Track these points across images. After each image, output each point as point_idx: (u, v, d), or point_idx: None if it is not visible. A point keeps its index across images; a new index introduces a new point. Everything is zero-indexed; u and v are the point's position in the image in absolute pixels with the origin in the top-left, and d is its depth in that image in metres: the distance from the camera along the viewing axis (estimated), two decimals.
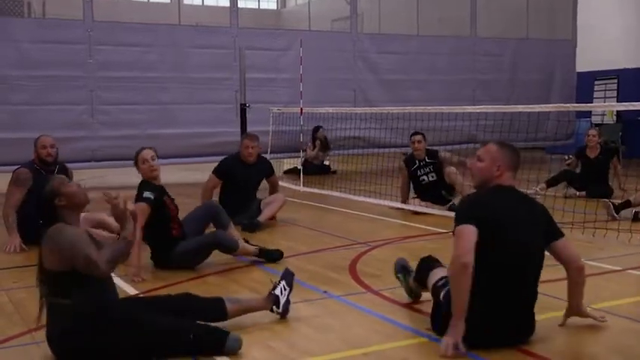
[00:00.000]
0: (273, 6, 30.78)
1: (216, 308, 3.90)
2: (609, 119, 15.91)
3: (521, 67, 15.54)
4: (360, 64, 14.03)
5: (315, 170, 12.38)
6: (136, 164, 5.57)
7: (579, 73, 16.35)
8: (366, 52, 14.11)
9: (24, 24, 12.28)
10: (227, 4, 13.04)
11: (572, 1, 16.09)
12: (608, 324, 3.95)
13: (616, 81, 16.11)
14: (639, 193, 7.68)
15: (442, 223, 7.46)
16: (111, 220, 6.55)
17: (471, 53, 15.13)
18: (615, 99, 15.58)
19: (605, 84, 16.32)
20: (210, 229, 5.94)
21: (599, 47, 16.70)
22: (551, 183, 9.26)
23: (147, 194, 5.37)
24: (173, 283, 5.04)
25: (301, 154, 12.14)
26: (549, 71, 15.92)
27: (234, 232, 6.03)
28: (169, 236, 5.47)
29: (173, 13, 13.99)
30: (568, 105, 9.72)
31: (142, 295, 4.63)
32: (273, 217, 7.54)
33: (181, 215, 5.76)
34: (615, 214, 7.53)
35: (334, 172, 12.95)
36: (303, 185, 10.47)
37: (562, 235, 3.77)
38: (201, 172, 10.59)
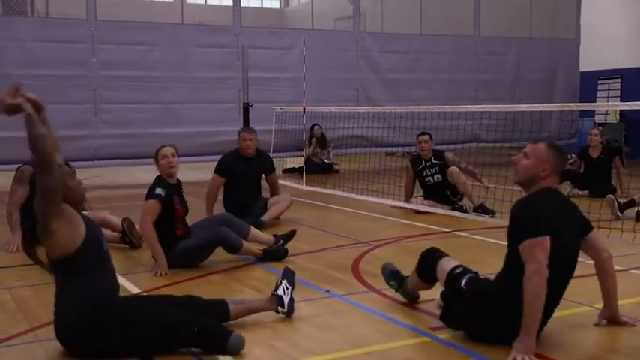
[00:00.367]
0: (276, 5, 30.77)
1: (219, 309, 3.90)
2: (612, 119, 15.88)
3: (525, 67, 15.52)
4: (362, 64, 14.03)
5: (316, 168, 12.37)
6: (156, 160, 5.59)
7: (582, 73, 16.32)
8: (369, 52, 14.10)
9: (27, 23, 12.29)
10: (230, 3, 13.03)
11: (576, 1, 16.06)
12: (612, 324, 3.95)
13: (619, 80, 16.09)
14: None
15: (444, 222, 7.46)
16: (113, 219, 6.59)
17: (474, 52, 15.11)
18: (618, 98, 15.55)
19: (609, 83, 16.30)
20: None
21: (602, 46, 16.67)
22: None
23: (158, 191, 5.39)
24: (176, 282, 5.04)
25: (304, 152, 12.16)
26: (552, 70, 15.89)
27: (258, 232, 6.03)
28: (173, 235, 5.47)
29: (176, 12, 13.99)
30: (571, 104, 9.69)
31: (145, 294, 4.64)
32: (277, 217, 7.52)
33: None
34: (619, 214, 7.51)
35: (337, 171, 12.95)
36: (306, 184, 10.47)
37: (592, 227, 3.82)
38: (204, 171, 10.60)
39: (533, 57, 15.57)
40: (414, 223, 7.55)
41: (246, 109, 11.25)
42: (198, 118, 12.28)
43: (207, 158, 12.02)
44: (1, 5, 13.47)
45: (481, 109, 9.00)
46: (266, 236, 6.02)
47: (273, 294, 4.12)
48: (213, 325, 3.62)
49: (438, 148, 8.69)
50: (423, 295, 4.60)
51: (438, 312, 4.21)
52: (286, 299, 4.10)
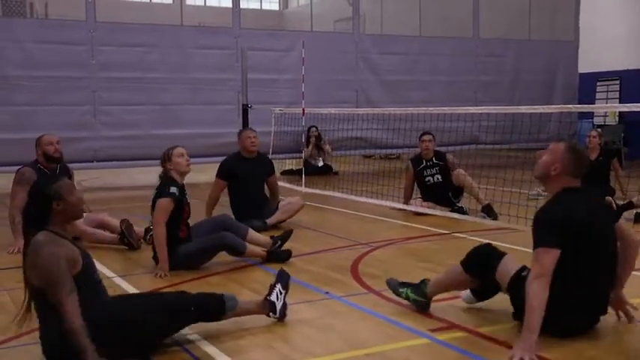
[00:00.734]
0: (275, 7, 30.79)
1: (215, 305, 3.88)
2: (611, 120, 15.89)
3: (524, 69, 15.53)
4: (362, 65, 14.04)
5: (314, 170, 12.38)
6: (169, 159, 5.53)
7: (581, 74, 16.33)
8: (368, 53, 14.11)
9: (26, 24, 12.30)
10: (229, 4, 13.04)
11: (575, 2, 16.08)
12: (609, 325, 3.95)
13: (618, 82, 16.10)
14: None
15: (444, 223, 7.46)
16: (112, 221, 6.59)
17: (473, 54, 15.12)
18: (617, 100, 15.57)
19: (608, 85, 16.31)
20: None
21: (601, 48, 16.69)
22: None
23: (173, 189, 5.37)
24: (175, 284, 5.04)
25: (303, 154, 12.16)
26: (552, 72, 15.90)
27: (255, 234, 6.02)
28: (176, 237, 5.46)
29: (175, 14, 14.04)
30: (570, 106, 9.69)
31: (134, 293, 4.63)
32: (283, 221, 7.44)
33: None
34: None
35: (336, 172, 12.96)
36: (305, 186, 10.47)
37: (619, 217, 3.93)
38: (204, 172, 10.60)
39: (532, 59, 15.58)
40: (413, 225, 7.55)
41: (245, 110, 11.25)
42: (197, 119, 12.28)
43: (206, 160, 12.00)
44: (1, 6, 13.50)
45: (480, 111, 8.99)
46: (263, 238, 6.02)
47: (266, 299, 4.09)
48: (207, 297, 3.84)
49: (443, 150, 8.68)
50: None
51: (437, 314, 4.22)
52: (279, 305, 4.07)
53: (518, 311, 3.80)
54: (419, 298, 4.28)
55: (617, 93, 16.01)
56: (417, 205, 8.20)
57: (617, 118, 15.79)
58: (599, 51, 16.53)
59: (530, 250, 3.65)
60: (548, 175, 3.78)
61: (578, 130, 15.86)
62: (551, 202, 3.75)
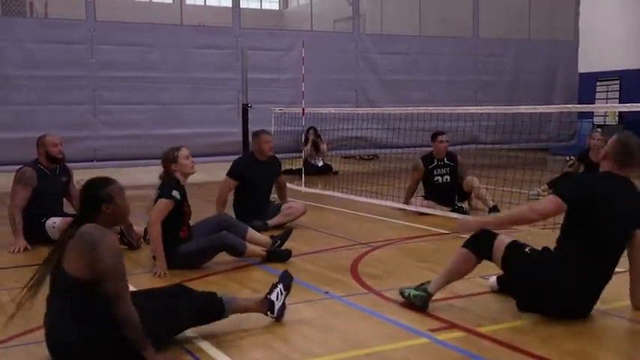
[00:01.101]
0: (275, 6, 30.80)
1: (216, 307, 3.88)
2: (611, 120, 15.89)
3: (524, 68, 15.52)
4: (362, 65, 14.03)
5: (313, 170, 12.39)
6: (174, 160, 5.55)
7: (581, 74, 16.33)
8: (368, 53, 14.10)
9: (26, 24, 12.28)
10: (229, 4, 13.04)
11: (575, 2, 16.06)
12: (609, 326, 3.96)
13: (618, 82, 16.10)
14: None
15: (444, 223, 7.46)
16: None
17: (473, 54, 15.11)
18: (617, 100, 15.56)
19: (608, 85, 16.31)
20: None
21: (601, 48, 16.69)
22: (553, 185, 9.18)
23: (175, 193, 5.39)
24: (175, 283, 5.03)
25: (303, 154, 12.15)
26: (551, 72, 15.89)
27: (255, 233, 6.01)
28: (177, 237, 5.47)
29: (175, 13, 14.03)
30: (570, 106, 9.69)
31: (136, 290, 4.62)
32: (284, 223, 7.40)
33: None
34: None
35: (336, 172, 12.96)
36: (305, 185, 10.47)
37: None
38: (204, 172, 10.59)
39: (532, 59, 15.57)
40: (413, 225, 7.55)
41: (245, 110, 11.25)
42: (197, 119, 12.28)
43: (206, 159, 12.01)
44: (0, 6, 13.48)
45: (480, 111, 8.99)
46: (263, 237, 6.02)
47: (266, 297, 4.09)
48: (207, 299, 3.85)
49: (450, 150, 8.63)
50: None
51: (437, 314, 4.23)
52: (277, 305, 4.08)
53: (512, 286, 4.22)
54: (420, 293, 4.33)
55: (617, 93, 16.01)
56: (417, 205, 8.19)
57: (616, 118, 15.79)
58: (599, 51, 16.53)
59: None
60: (599, 159, 4.25)
61: (578, 130, 15.86)
62: (590, 174, 4.27)
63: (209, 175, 11.59)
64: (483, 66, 15.20)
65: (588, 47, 16.13)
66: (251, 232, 5.96)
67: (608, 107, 15.73)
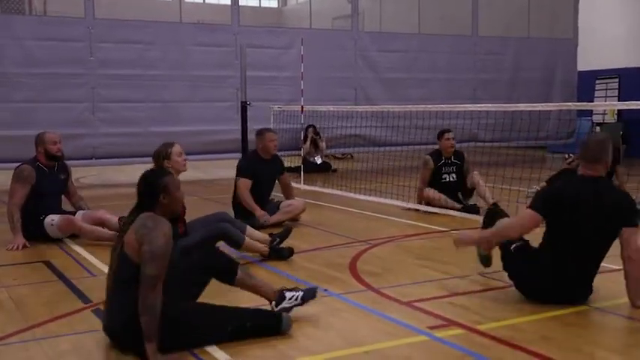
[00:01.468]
0: (274, 4, 30.76)
1: (228, 270, 4.00)
2: (610, 118, 15.88)
3: (523, 66, 15.51)
4: (360, 63, 14.02)
5: (312, 168, 12.38)
6: (167, 157, 5.52)
7: (580, 72, 16.32)
8: (367, 51, 14.09)
9: (25, 21, 12.27)
10: (228, 2, 13.02)
11: (574, 0, 16.05)
12: (607, 323, 3.96)
13: (617, 80, 16.09)
14: None
15: (443, 221, 7.47)
16: (110, 218, 6.58)
17: (472, 52, 15.10)
18: (616, 98, 15.56)
19: (607, 83, 16.30)
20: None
21: (600, 46, 16.68)
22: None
23: None
24: None
25: (302, 152, 12.15)
26: (550, 70, 15.89)
27: (254, 231, 5.97)
28: (175, 234, 5.43)
29: (174, 11, 13.98)
30: (569, 104, 9.71)
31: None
32: (283, 221, 7.38)
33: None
34: None
35: (334, 170, 12.96)
36: (304, 183, 10.47)
37: (632, 224, 4.16)
38: (202, 170, 10.61)
39: (531, 57, 15.57)
40: (411, 222, 7.55)
41: (244, 107, 11.24)
42: (196, 116, 12.27)
43: (205, 157, 12.03)
44: None
45: (479, 109, 8.99)
46: (262, 235, 5.99)
47: (281, 290, 4.11)
48: (265, 315, 3.88)
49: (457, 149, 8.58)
50: (421, 294, 4.60)
51: (436, 311, 4.23)
52: (284, 304, 4.05)
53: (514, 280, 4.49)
54: (483, 253, 4.93)
55: (616, 91, 15.99)
56: (431, 195, 8.09)
57: (615, 116, 15.78)
58: (598, 49, 16.52)
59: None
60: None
61: (577, 128, 15.86)
62: (563, 181, 4.63)
63: (206, 173, 11.62)
64: (482, 64, 15.20)
65: (587, 45, 16.13)
66: (250, 230, 5.94)
67: (607, 105, 15.72)
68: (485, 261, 4.99)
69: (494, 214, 4.99)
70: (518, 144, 14.06)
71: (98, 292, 4.71)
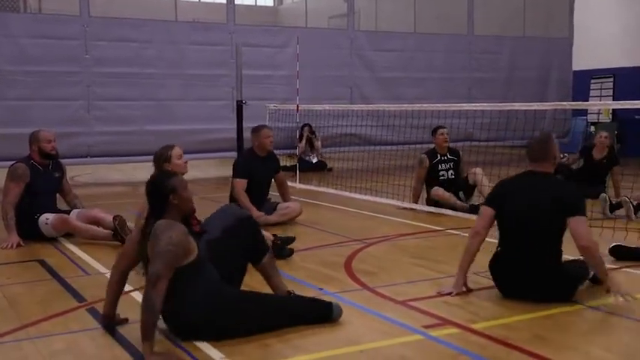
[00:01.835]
0: (270, 3, 30.71)
1: (260, 250, 4.19)
2: (605, 118, 15.92)
3: (518, 65, 15.54)
4: (356, 62, 14.02)
5: (308, 166, 12.38)
6: (167, 160, 5.49)
7: (575, 72, 16.36)
8: (363, 50, 14.10)
9: (20, 19, 12.23)
10: (224, 0, 13.01)
11: (569, 0, 16.10)
12: (601, 322, 3.97)
13: (612, 79, 16.13)
14: (636, 191, 7.68)
15: (438, 220, 7.48)
16: (105, 217, 6.56)
17: (468, 51, 15.12)
18: (611, 97, 15.59)
19: (602, 82, 16.34)
20: None
21: (595, 46, 16.71)
22: None
23: None
24: None
25: (297, 151, 12.14)
26: (546, 69, 15.92)
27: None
28: (192, 234, 5.38)
29: (170, 10, 13.94)
30: (564, 103, 9.73)
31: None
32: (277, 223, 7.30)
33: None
34: (609, 213, 7.52)
35: (330, 169, 12.95)
36: (299, 182, 10.46)
37: (574, 213, 4.23)
38: (197, 168, 10.59)
39: (526, 56, 15.60)
40: (407, 222, 7.56)
41: (239, 106, 11.23)
42: (191, 115, 12.25)
43: (200, 156, 12.00)
44: None
45: (475, 108, 9.00)
46: (266, 234, 5.95)
47: (289, 292, 4.23)
48: (313, 305, 4.01)
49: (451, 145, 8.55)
50: (416, 293, 4.61)
51: (431, 310, 4.23)
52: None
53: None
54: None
55: (611, 90, 16.04)
56: (438, 194, 8.00)
57: (610, 115, 15.82)
58: (593, 48, 16.56)
59: None
60: None
61: (572, 127, 15.90)
62: (508, 178, 4.72)
63: (202, 172, 11.59)
64: (478, 63, 15.22)
65: (582, 45, 16.16)
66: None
67: (601, 105, 15.76)
68: None
69: None
70: (513, 143, 14.05)
71: (93, 291, 4.71)
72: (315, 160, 13.13)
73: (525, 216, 4.33)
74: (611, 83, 16.09)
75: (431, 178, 8.24)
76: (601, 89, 16.29)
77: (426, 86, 14.29)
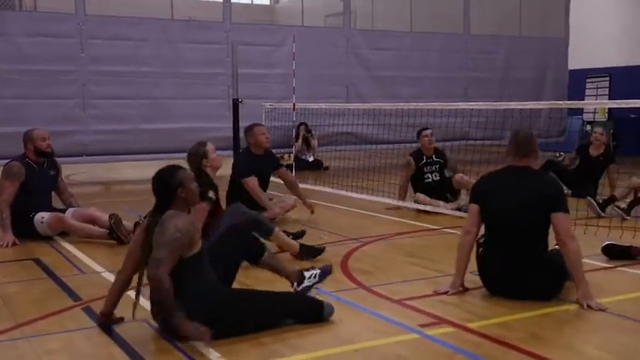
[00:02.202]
0: (266, 1, 30.66)
1: (256, 250, 4.24)
2: (601, 117, 15.94)
3: (514, 65, 15.56)
4: (352, 60, 14.03)
5: (304, 165, 12.38)
6: (204, 156, 5.43)
7: (571, 71, 16.38)
8: (359, 49, 14.10)
9: (15, 17, 12.19)
10: None
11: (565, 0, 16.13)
12: (597, 321, 3.98)
13: (608, 79, 16.16)
14: (623, 188, 7.69)
15: (434, 219, 7.47)
16: (101, 215, 6.55)
17: (464, 50, 15.14)
18: (607, 96, 15.62)
19: (597, 82, 16.36)
20: None
21: (591, 45, 16.73)
22: None
23: (211, 194, 5.20)
24: None
25: (293, 149, 12.14)
26: (542, 69, 15.94)
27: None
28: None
29: (166, 8, 13.91)
30: (560, 102, 9.72)
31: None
32: (274, 218, 7.31)
33: None
34: (601, 212, 7.52)
35: (326, 168, 12.95)
36: None
37: (557, 209, 4.27)
38: None
39: (522, 55, 15.61)
40: (403, 220, 7.56)
41: (235, 105, 11.22)
42: (187, 114, 12.24)
43: None
44: None
45: (471, 107, 9.00)
46: (292, 242, 5.79)
47: (301, 271, 4.36)
48: (309, 302, 4.06)
49: (437, 146, 8.53)
50: (412, 292, 4.61)
51: (427, 309, 4.23)
52: (305, 283, 4.32)
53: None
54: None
55: (607, 90, 16.06)
56: (420, 200, 8.03)
57: (606, 114, 15.84)
58: (588, 48, 16.57)
59: None
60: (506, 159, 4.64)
61: (568, 126, 15.91)
62: (489, 174, 4.72)
63: None
64: (474, 62, 15.23)
65: (578, 44, 16.19)
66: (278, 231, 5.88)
67: (597, 104, 15.78)
68: None
69: None
70: (509, 142, 14.05)
71: (88, 290, 4.70)
72: (311, 159, 13.13)
73: (511, 212, 4.36)
74: (607, 82, 16.12)
75: (416, 180, 8.25)
76: (597, 88, 16.32)
77: (422, 85, 14.30)
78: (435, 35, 14.97)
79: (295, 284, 4.33)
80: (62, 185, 6.90)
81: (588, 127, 15.67)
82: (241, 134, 11.35)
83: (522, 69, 15.57)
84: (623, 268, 5.26)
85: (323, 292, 4.63)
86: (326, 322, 4.00)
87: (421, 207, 8.01)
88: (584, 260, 4.45)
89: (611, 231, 6.22)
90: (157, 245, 3.58)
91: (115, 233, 6.27)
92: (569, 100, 14.05)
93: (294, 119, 11.53)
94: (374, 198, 8.70)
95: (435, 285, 4.69)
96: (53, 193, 6.83)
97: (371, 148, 14.20)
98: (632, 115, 15.19)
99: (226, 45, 12.34)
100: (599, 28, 16.94)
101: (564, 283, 4.43)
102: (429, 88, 14.27)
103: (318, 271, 4.41)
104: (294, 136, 12.40)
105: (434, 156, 8.25)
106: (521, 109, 7.84)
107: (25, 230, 6.36)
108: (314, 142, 13.19)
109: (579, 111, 16.15)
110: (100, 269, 5.36)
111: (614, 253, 5.47)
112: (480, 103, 10.26)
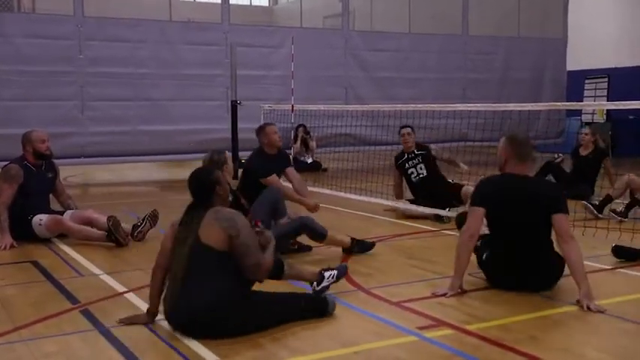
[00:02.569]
0: (264, 3, 30.69)
1: (277, 267, 4.27)
2: (599, 118, 15.95)
3: (513, 66, 15.57)
4: (351, 62, 14.03)
5: (303, 167, 12.36)
6: (225, 163, 5.60)
7: (570, 72, 16.39)
8: (358, 50, 14.10)
9: (14, 19, 12.18)
10: (219, 0, 12.99)
11: (564, 0, 16.13)
12: (596, 323, 3.97)
13: (606, 80, 16.15)
14: (617, 188, 7.68)
15: (434, 222, 7.46)
16: (99, 217, 6.53)
17: (463, 51, 15.14)
18: (605, 98, 15.62)
19: (596, 83, 16.36)
20: None
21: (590, 46, 16.75)
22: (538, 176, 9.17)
23: (230, 198, 5.10)
24: None
25: (292, 151, 12.13)
26: (540, 70, 15.96)
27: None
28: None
29: (164, 9, 13.91)
30: (559, 104, 9.75)
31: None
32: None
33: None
34: (598, 214, 7.51)
35: (325, 169, 12.95)
36: None
37: (557, 211, 4.39)
38: (191, 169, 10.54)
39: (521, 56, 15.62)
40: (402, 222, 7.55)
41: (234, 106, 11.22)
42: (186, 115, 12.23)
43: (194, 156, 11.95)
44: None
45: (469, 108, 8.99)
46: (344, 238, 5.97)
47: (320, 271, 4.52)
48: (314, 299, 4.24)
49: (420, 142, 8.48)
50: (410, 294, 4.60)
51: (425, 311, 4.23)
52: (324, 283, 4.49)
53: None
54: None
55: (605, 91, 16.06)
56: (404, 211, 7.90)
57: (604, 116, 15.85)
58: (587, 49, 16.59)
59: None
60: (501, 165, 4.69)
61: (566, 127, 15.92)
62: (488, 178, 4.85)
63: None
64: (473, 63, 15.24)
65: (577, 45, 16.20)
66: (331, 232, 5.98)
67: (596, 105, 15.78)
68: None
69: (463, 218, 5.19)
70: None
71: (86, 293, 4.69)
72: (309, 161, 13.12)
73: (514, 216, 4.48)
74: (606, 83, 16.12)
75: (406, 178, 8.21)
76: (595, 89, 16.32)
77: (420, 86, 14.30)
78: (433, 36, 14.98)
79: (315, 284, 4.48)
80: (60, 187, 6.89)
81: (591, 129, 15.67)
82: (240, 136, 11.42)
83: (521, 70, 15.59)
84: (622, 270, 5.25)
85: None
86: (325, 324, 4.00)
87: (414, 214, 7.87)
88: (585, 262, 4.44)
89: (609, 232, 6.21)
90: (244, 249, 3.77)
91: (113, 235, 6.25)
92: (567, 101, 14.08)
93: (292, 121, 11.53)
94: (372, 199, 8.69)
95: (434, 287, 4.68)
96: (51, 195, 6.82)
97: (369, 150, 14.18)
98: (631, 117, 15.19)
99: (225, 46, 12.34)
100: (597, 29, 16.96)
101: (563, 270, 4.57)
102: (427, 89, 14.26)
103: (335, 272, 4.60)
104: (292, 137, 12.39)
105: (415, 150, 8.16)
106: (519, 110, 7.83)
107: (23, 232, 6.35)
108: (312, 144, 13.19)
109: (578, 112, 16.16)
110: (98, 272, 5.35)
111: (623, 253, 5.52)
112: (479, 104, 10.26)
